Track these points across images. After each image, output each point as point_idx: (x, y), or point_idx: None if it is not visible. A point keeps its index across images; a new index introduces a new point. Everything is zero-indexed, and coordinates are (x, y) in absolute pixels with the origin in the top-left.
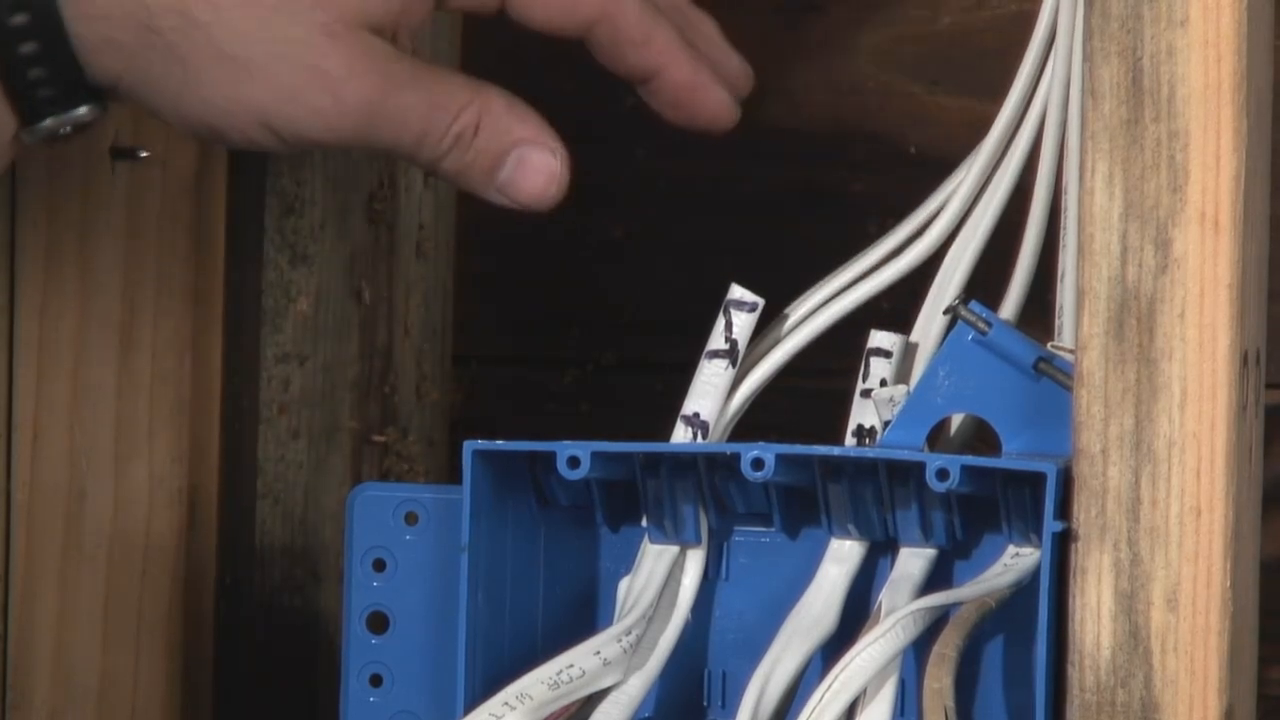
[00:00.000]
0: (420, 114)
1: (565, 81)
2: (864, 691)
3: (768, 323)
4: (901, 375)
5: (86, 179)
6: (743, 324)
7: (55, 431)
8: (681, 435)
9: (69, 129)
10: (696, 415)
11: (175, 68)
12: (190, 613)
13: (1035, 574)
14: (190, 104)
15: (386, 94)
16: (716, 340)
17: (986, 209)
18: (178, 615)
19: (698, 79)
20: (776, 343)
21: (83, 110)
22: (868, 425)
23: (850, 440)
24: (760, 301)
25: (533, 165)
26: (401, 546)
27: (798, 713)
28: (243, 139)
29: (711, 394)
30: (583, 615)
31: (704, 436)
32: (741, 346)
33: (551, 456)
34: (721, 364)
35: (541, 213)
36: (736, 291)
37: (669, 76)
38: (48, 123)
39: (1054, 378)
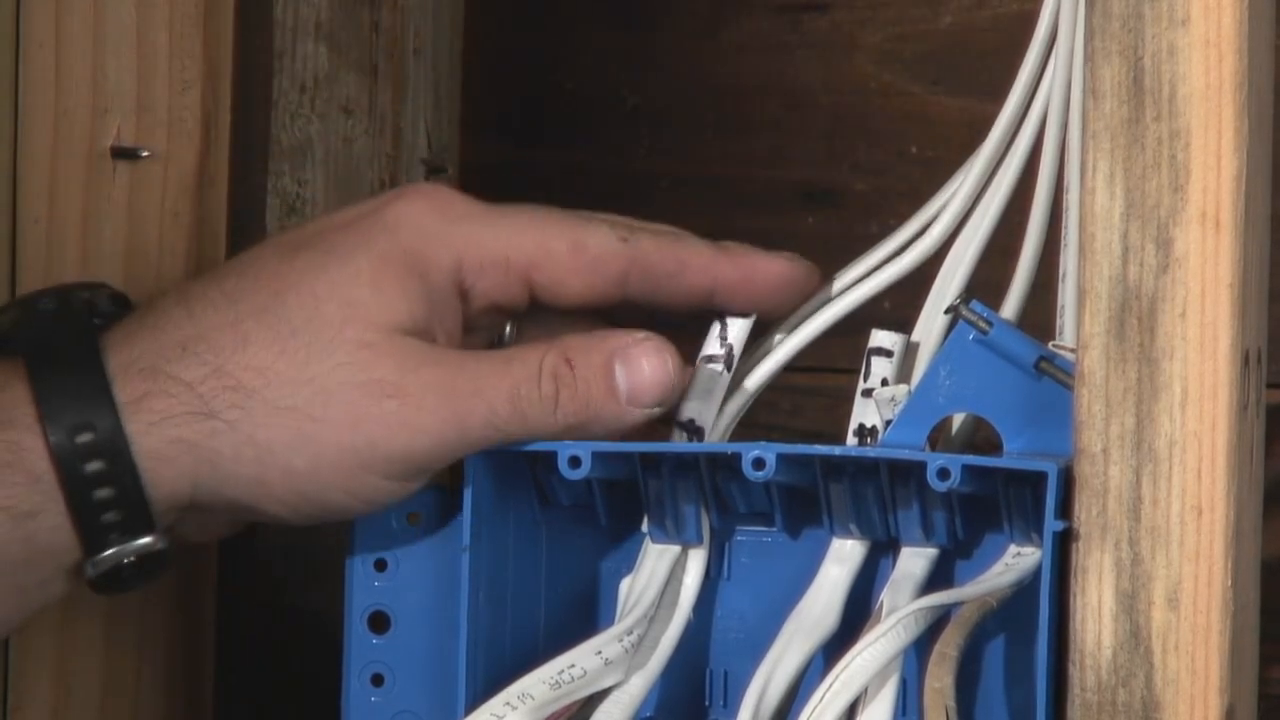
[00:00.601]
0: (497, 386)
1: (565, 81)
2: (865, 691)
3: (769, 323)
4: (903, 375)
5: (87, 178)
6: (738, 329)
7: None
8: (676, 439)
9: (132, 558)
10: (691, 421)
11: (245, 447)
12: (191, 613)
13: (1036, 573)
14: (273, 482)
15: (454, 389)
16: (711, 345)
17: (988, 209)
18: (178, 615)
19: (747, 265)
20: (777, 343)
21: (147, 540)
22: (869, 424)
23: (851, 440)
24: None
25: (637, 359)
26: (403, 546)
27: (799, 712)
28: (342, 498)
29: (705, 398)
30: (584, 615)
31: (699, 441)
32: (737, 351)
33: (553, 456)
34: (716, 368)
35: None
36: None
37: (723, 282)
38: (110, 552)
39: (1055, 377)
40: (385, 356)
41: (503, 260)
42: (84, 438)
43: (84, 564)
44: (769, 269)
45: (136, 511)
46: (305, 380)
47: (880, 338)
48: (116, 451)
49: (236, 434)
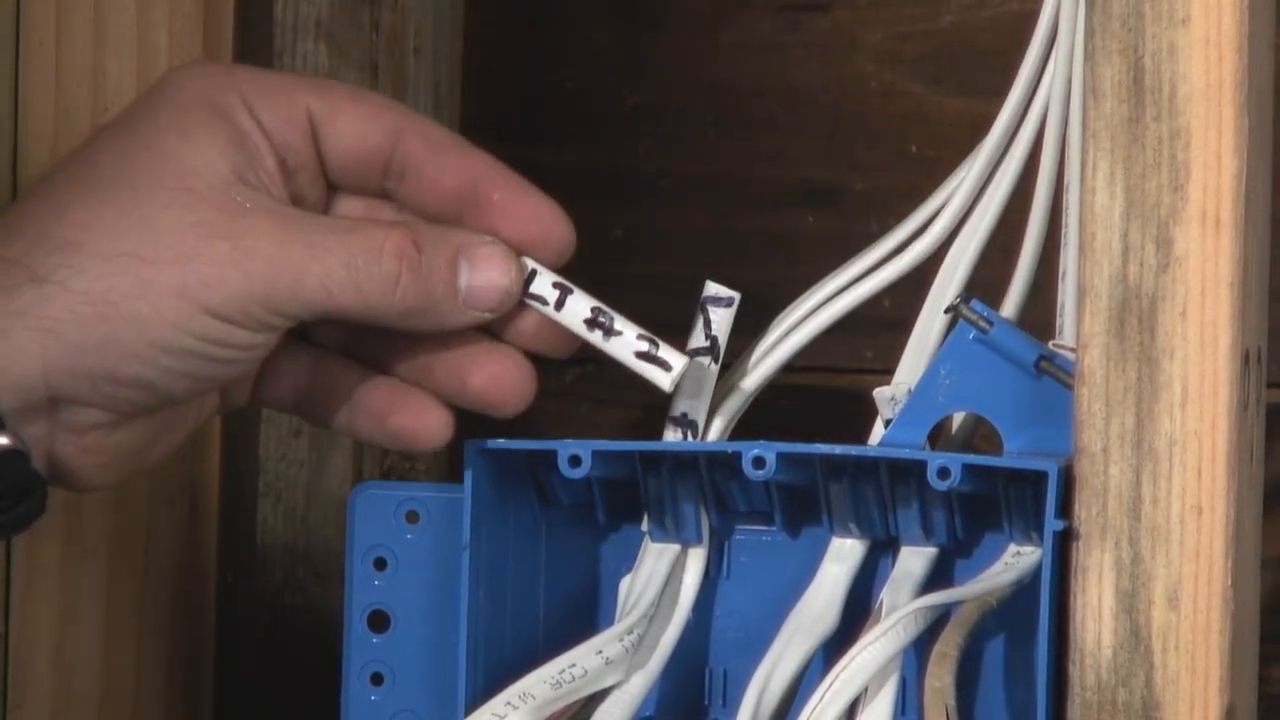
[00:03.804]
0: (340, 257)
1: (566, 81)
2: (865, 690)
3: (769, 322)
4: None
5: None
6: (721, 319)
7: None
8: (671, 436)
9: None
10: (684, 415)
11: (84, 306)
12: (191, 611)
13: (1036, 573)
14: (123, 337)
15: (290, 226)
16: (697, 339)
17: (988, 208)
18: (179, 614)
19: (512, 187)
20: (778, 342)
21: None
22: (589, 315)
23: (593, 334)
24: (736, 296)
25: (484, 258)
26: (403, 545)
27: (799, 711)
28: (191, 343)
29: (697, 393)
30: (584, 614)
31: (693, 436)
32: (722, 342)
33: (553, 455)
34: (704, 361)
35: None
36: (712, 288)
37: (482, 190)
38: None
39: (1055, 376)
40: (211, 202)
41: (286, 96)
42: None
43: None
44: (531, 201)
45: None
46: (133, 224)
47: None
48: None
49: (71, 294)
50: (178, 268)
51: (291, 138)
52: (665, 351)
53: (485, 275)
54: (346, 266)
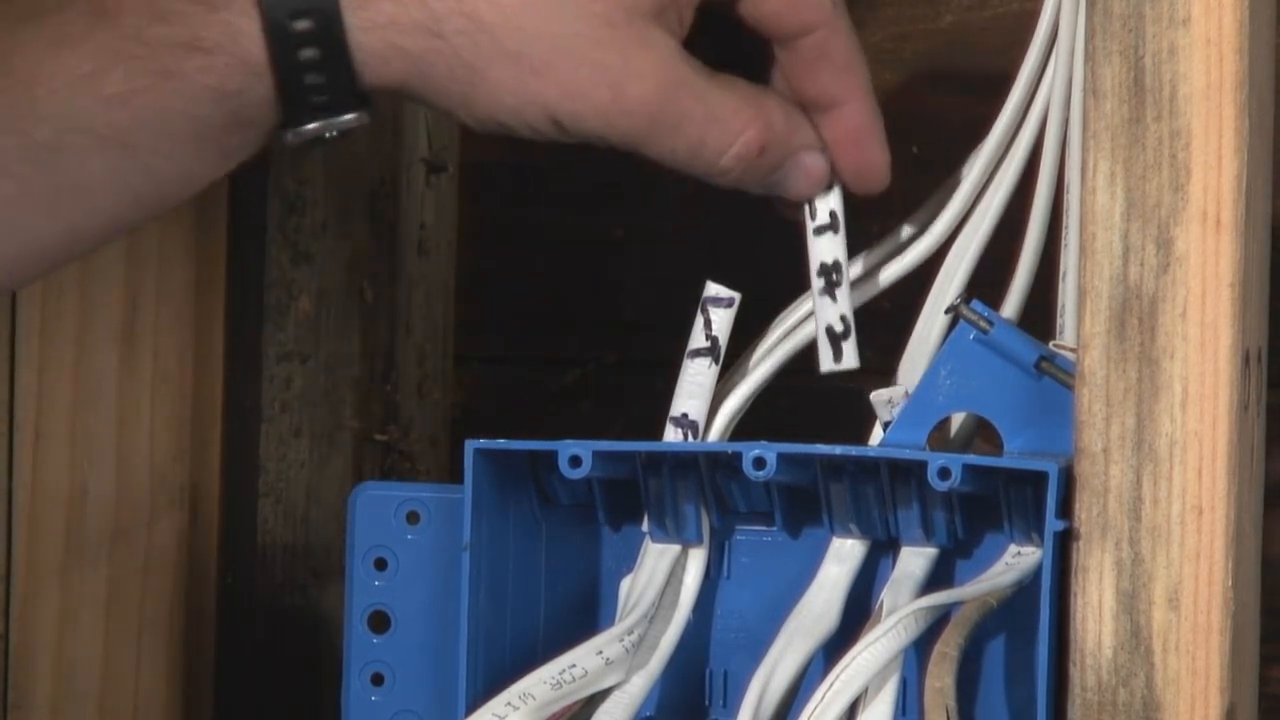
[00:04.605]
0: (698, 124)
1: None
2: (865, 690)
3: (769, 322)
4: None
5: None
6: (721, 320)
7: (57, 431)
8: (671, 436)
9: (333, 134)
10: (685, 416)
11: (461, 71)
12: (192, 612)
13: (1037, 573)
14: (479, 104)
15: (666, 98)
16: (697, 339)
17: (988, 208)
18: (179, 614)
19: (871, 128)
20: (778, 342)
21: (350, 117)
22: (830, 261)
23: (817, 281)
24: (736, 296)
25: (806, 169)
26: (403, 545)
27: (799, 712)
28: (530, 133)
29: (698, 393)
30: (584, 614)
31: (694, 436)
32: (723, 342)
33: (553, 455)
34: (704, 362)
35: (546, 213)
36: (712, 289)
37: (846, 114)
38: (313, 126)
39: (1056, 377)
40: (620, 44)
41: None
42: (301, 24)
43: (286, 131)
44: (872, 150)
45: (344, 96)
46: (540, 34)
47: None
48: (333, 42)
49: (458, 58)
50: (559, 96)
51: None
52: (849, 346)
53: (799, 184)
54: (694, 146)
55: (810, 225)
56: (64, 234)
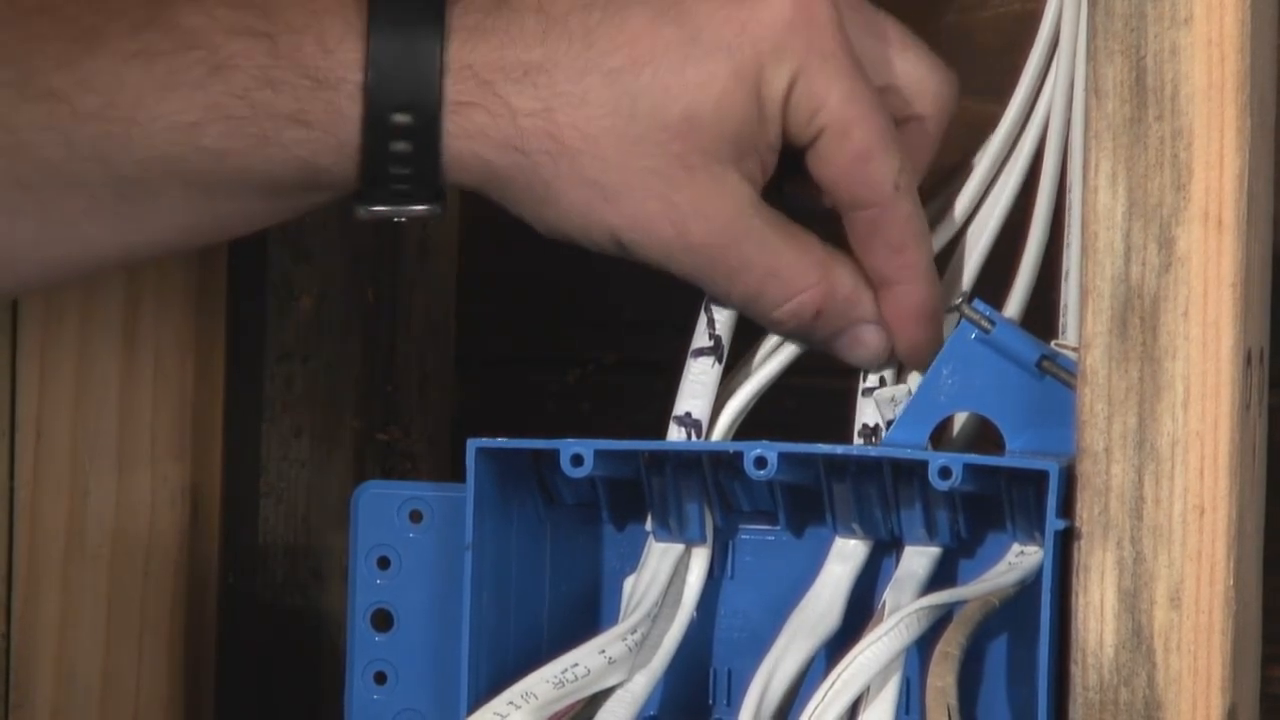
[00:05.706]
0: (757, 275)
1: None
2: (867, 690)
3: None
4: (903, 372)
5: None
6: (725, 319)
7: (58, 431)
8: (675, 435)
9: (402, 219)
10: (688, 415)
11: (539, 188)
12: (193, 612)
13: (1039, 572)
14: (548, 217)
15: (729, 243)
16: (700, 338)
17: (992, 208)
18: (180, 614)
19: (920, 312)
20: (782, 342)
21: (423, 208)
22: (872, 424)
23: (857, 441)
24: None
25: (862, 342)
26: (406, 544)
27: (801, 711)
28: (595, 248)
29: (701, 392)
30: (587, 613)
31: (698, 435)
32: (726, 342)
33: (555, 454)
34: (708, 361)
35: None
36: None
37: (899, 294)
38: (385, 209)
39: (1057, 376)
40: (693, 185)
41: (815, 115)
42: (401, 118)
43: (359, 206)
44: (913, 334)
45: (423, 190)
46: (617, 166)
47: None
48: (427, 141)
49: (536, 175)
50: (624, 226)
51: (800, 133)
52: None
53: (855, 353)
54: (750, 294)
55: (861, 384)
56: (120, 249)
